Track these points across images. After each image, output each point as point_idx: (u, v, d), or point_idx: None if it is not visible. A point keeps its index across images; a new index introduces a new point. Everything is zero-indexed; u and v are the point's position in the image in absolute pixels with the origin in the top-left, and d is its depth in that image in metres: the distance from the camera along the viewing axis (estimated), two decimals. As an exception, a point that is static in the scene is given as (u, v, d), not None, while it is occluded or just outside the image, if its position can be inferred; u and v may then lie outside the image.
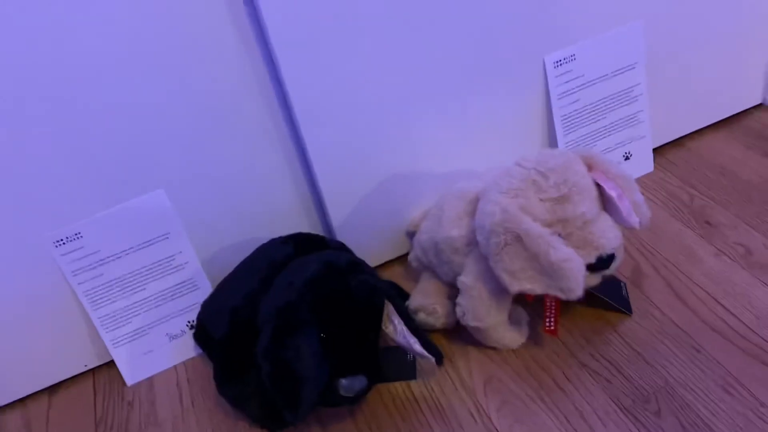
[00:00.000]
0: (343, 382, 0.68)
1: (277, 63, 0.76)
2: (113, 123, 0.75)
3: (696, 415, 0.69)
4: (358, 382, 0.68)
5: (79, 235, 0.80)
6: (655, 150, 1.04)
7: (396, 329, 0.72)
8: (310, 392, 0.66)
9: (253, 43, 0.76)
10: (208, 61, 0.75)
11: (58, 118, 0.73)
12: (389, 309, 0.72)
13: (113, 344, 0.86)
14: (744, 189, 0.95)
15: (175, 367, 0.88)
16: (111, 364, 0.89)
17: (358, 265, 0.72)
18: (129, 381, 0.87)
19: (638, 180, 1.02)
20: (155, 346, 0.87)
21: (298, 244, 0.80)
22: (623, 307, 0.80)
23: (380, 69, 0.80)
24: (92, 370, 0.90)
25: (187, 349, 0.89)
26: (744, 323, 0.77)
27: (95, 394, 0.87)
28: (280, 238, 0.82)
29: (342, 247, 0.83)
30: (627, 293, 0.83)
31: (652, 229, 0.92)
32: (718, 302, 0.80)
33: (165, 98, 0.76)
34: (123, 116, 0.75)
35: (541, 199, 0.69)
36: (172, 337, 0.88)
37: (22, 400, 0.88)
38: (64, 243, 0.79)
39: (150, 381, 0.87)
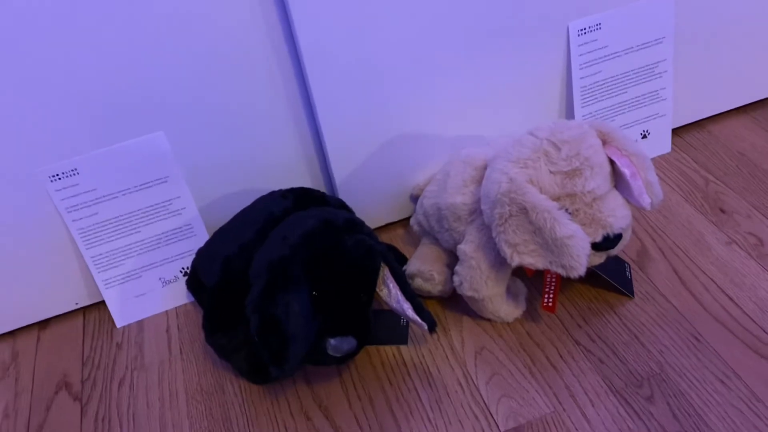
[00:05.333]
0: (332, 341, 0.66)
1: (288, 9, 0.73)
2: (117, 60, 0.72)
3: (689, 403, 0.67)
4: (347, 343, 0.67)
5: (75, 171, 0.78)
6: (674, 130, 1.01)
7: (390, 293, 0.71)
8: (297, 349, 0.64)
9: (265, -14, 0.73)
10: (217, 3, 0.72)
11: (61, 51, 0.70)
12: (385, 272, 0.70)
13: (105, 285, 0.85)
14: (762, 178, 0.92)
15: (166, 312, 0.87)
16: (102, 304, 0.88)
17: (356, 224, 0.70)
18: (119, 323, 0.86)
19: (654, 160, 0.98)
20: (147, 289, 0.86)
21: (298, 198, 0.78)
22: (625, 288, 0.79)
23: (396, 23, 0.77)
24: (83, 309, 0.90)
25: (179, 295, 0.88)
26: (748, 315, 0.75)
27: (84, 333, 0.86)
28: (280, 191, 0.80)
29: (342, 206, 0.81)
30: (631, 275, 0.81)
31: (662, 212, 0.89)
32: (724, 292, 0.78)
33: (172, 39, 0.73)
34: (127, 54, 0.72)
35: (551, 172, 0.67)
36: (165, 283, 0.87)
37: (11, 333, 0.88)
38: (59, 178, 0.78)
39: (140, 324, 0.86)
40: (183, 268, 0.87)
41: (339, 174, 0.87)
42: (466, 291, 0.74)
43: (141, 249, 0.85)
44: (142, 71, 0.74)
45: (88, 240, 0.82)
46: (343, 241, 0.67)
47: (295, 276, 0.65)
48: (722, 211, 0.88)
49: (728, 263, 0.81)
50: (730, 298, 0.77)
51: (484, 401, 0.71)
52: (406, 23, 0.77)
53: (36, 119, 0.74)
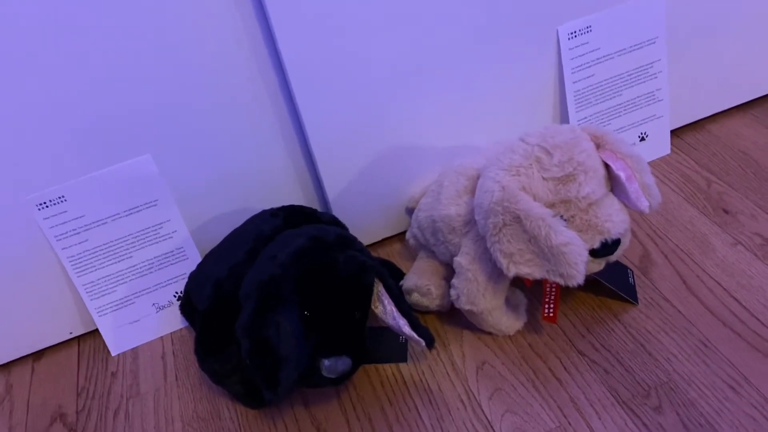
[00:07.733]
0: (326, 362, 0.64)
1: (271, 27, 0.72)
2: (100, 83, 0.72)
3: (699, 413, 0.65)
4: (342, 363, 0.65)
5: (62, 199, 0.77)
6: (672, 131, 0.99)
7: (385, 310, 0.69)
8: (290, 371, 0.63)
9: (247, 4, 0.72)
10: (200, 22, 0.71)
11: (44, 75, 0.69)
12: (379, 289, 0.69)
13: (98, 312, 0.84)
14: (766, 176, 0.90)
15: (161, 338, 0.86)
16: (96, 332, 0.87)
17: (347, 240, 0.69)
18: (114, 351, 0.85)
19: (653, 163, 0.96)
20: (141, 315, 0.85)
21: (289, 216, 0.76)
22: (629, 295, 0.76)
23: (382, 33, 0.76)
24: (78, 338, 0.88)
25: (174, 320, 0.86)
26: (757, 318, 0.72)
27: (79, 363, 0.85)
28: (271, 209, 0.79)
29: (334, 222, 0.80)
30: (634, 281, 0.79)
31: (664, 215, 0.87)
32: (731, 295, 0.75)
33: (155, 61, 0.72)
34: (110, 77, 0.72)
35: (544, 178, 0.65)
36: (159, 308, 0.85)
37: (5, 365, 0.86)
38: (47, 206, 0.77)
39: (135, 351, 0.85)
40: (176, 293, 0.86)
41: (331, 190, 0.85)
42: (463, 305, 0.72)
43: (133, 275, 0.83)
44: (126, 94, 0.73)
45: (79, 268, 0.81)
46: (335, 258, 0.65)
47: (286, 296, 0.64)
48: (726, 211, 0.86)
49: (734, 265, 0.79)
50: (738, 301, 0.74)
51: (487, 418, 0.68)
52: (393, 35, 0.76)
53: (20, 147, 0.73)
